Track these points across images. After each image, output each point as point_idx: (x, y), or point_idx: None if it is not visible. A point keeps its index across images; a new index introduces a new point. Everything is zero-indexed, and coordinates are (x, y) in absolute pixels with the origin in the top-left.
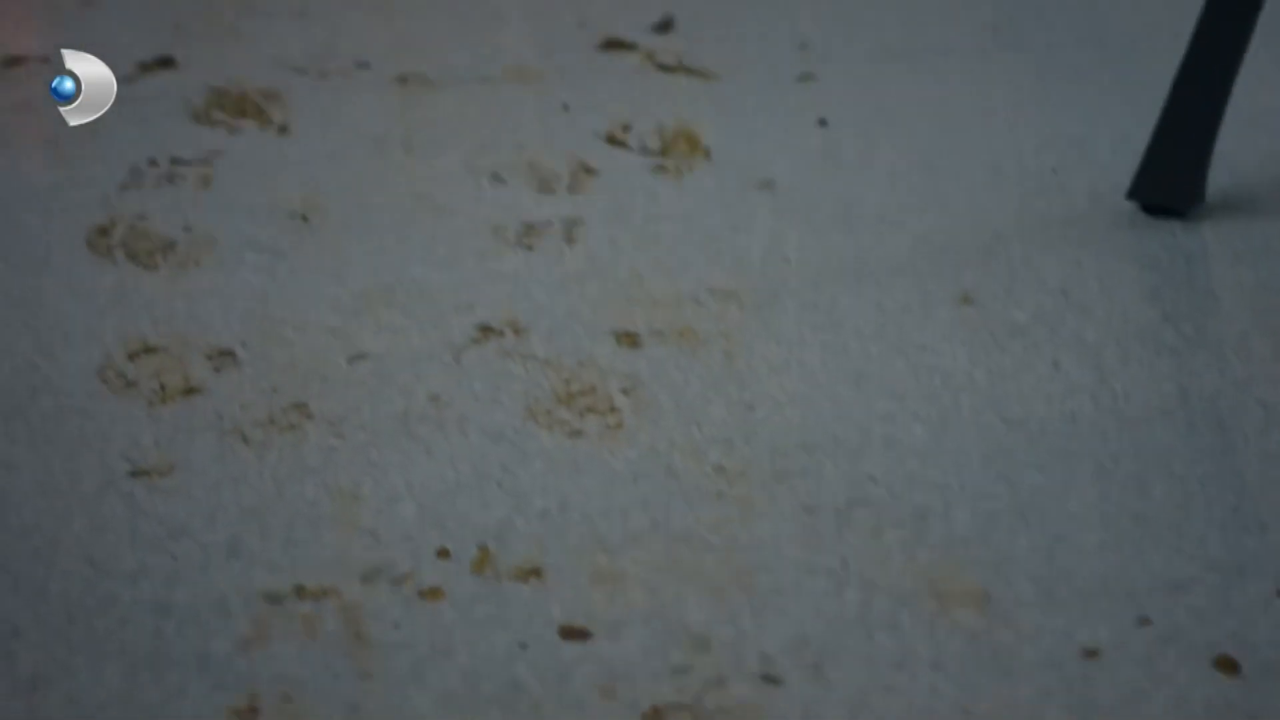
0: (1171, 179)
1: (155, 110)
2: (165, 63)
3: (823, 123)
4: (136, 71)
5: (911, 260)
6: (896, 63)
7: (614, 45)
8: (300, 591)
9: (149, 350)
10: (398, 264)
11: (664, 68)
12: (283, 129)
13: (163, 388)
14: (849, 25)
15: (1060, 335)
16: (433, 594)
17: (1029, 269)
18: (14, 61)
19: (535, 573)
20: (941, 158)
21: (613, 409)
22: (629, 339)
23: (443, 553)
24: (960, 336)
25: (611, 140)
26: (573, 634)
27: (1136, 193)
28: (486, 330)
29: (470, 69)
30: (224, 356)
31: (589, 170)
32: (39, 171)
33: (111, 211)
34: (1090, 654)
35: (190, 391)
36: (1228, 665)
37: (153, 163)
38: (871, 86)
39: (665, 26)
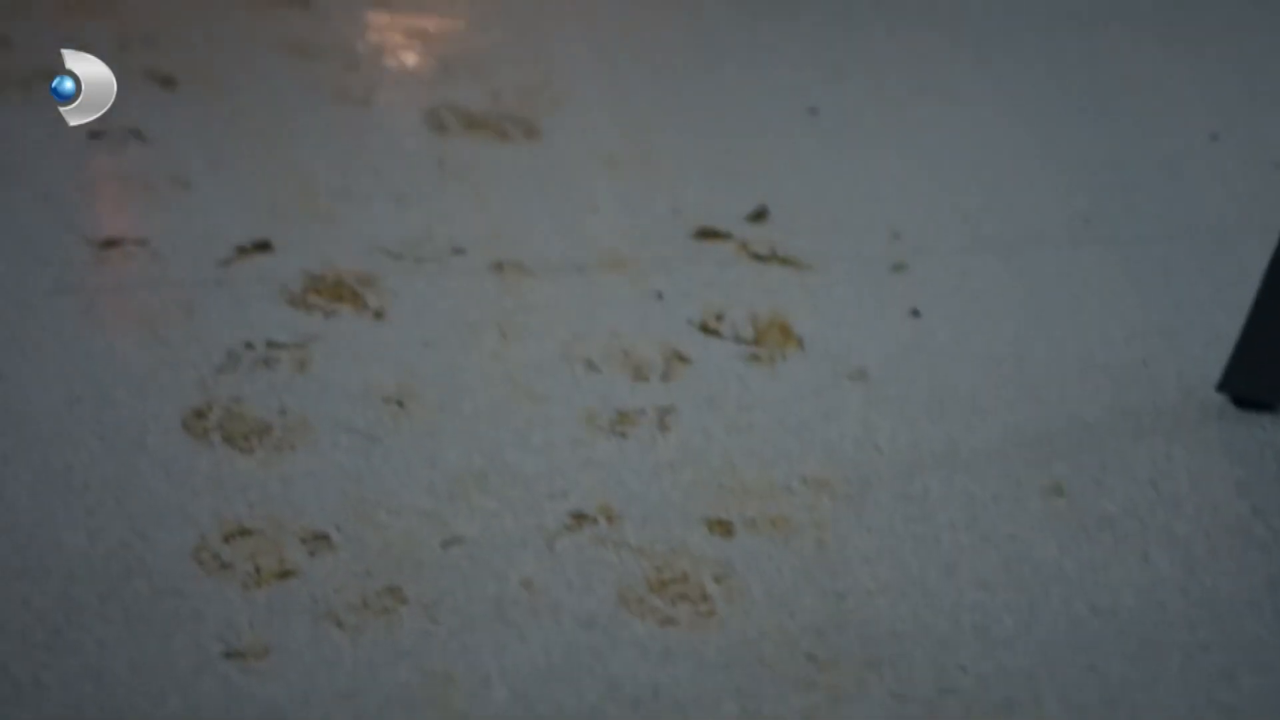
0: (1262, 372)
1: (251, 294)
2: (262, 246)
3: (915, 312)
4: (233, 255)
5: (1003, 450)
6: (989, 253)
7: (708, 234)
8: None
9: (244, 533)
10: (492, 449)
11: (757, 257)
12: (378, 314)
13: (258, 570)
14: (941, 215)
15: (1150, 527)
16: None
17: (1119, 461)
18: (111, 243)
19: None
20: (1033, 349)
21: (705, 597)
22: (721, 527)
23: None
24: (1051, 527)
25: (705, 329)
26: None
27: (1227, 385)
28: (580, 517)
29: (565, 256)
30: (318, 540)
31: (682, 358)
32: (136, 353)
33: (208, 394)
34: None
35: (285, 574)
36: None
37: (249, 346)
38: (964, 276)
39: (759, 216)
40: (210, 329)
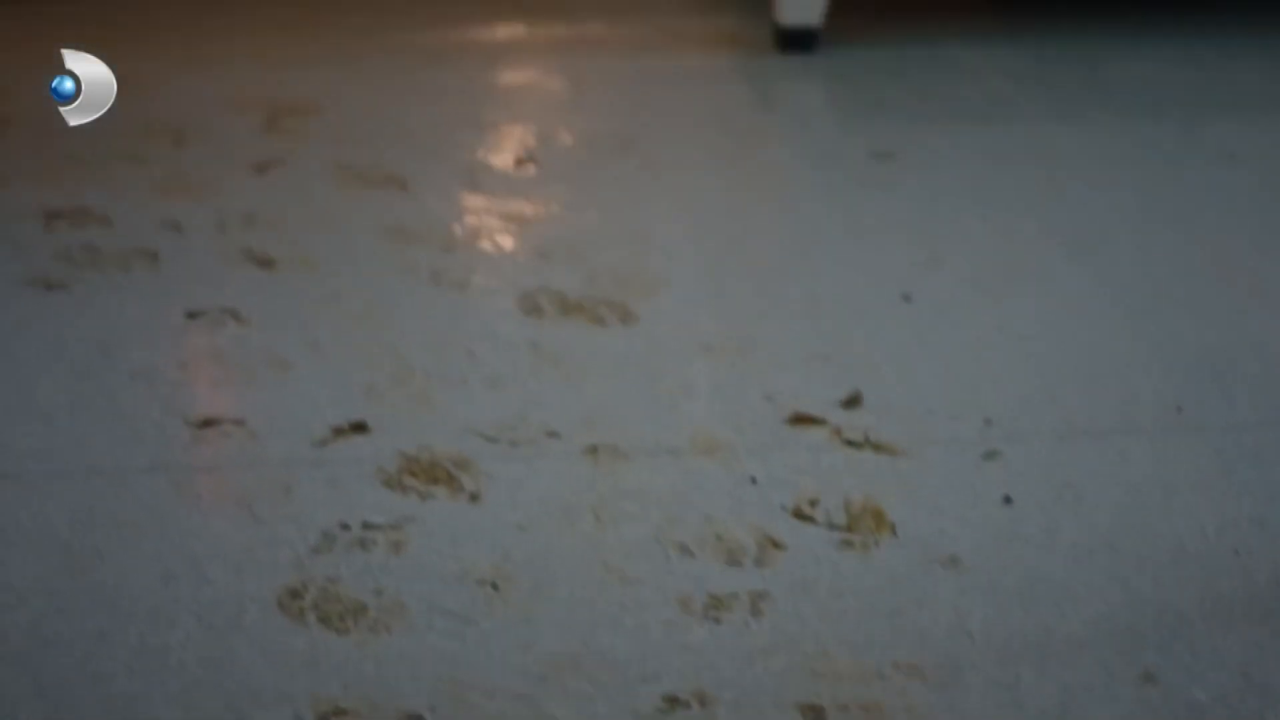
0: None
1: (347, 474)
2: (358, 428)
3: (1007, 500)
4: (330, 435)
5: (1094, 638)
6: (1081, 440)
7: (802, 420)
8: None
9: (339, 713)
10: (585, 633)
11: (851, 443)
12: (474, 497)
13: None
14: (1034, 403)
15: (1241, 716)
16: None
17: (1211, 649)
18: (208, 423)
19: None
20: (1124, 536)
21: None
22: (814, 712)
23: None
24: (1142, 715)
25: (798, 514)
26: None
27: None
28: (673, 701)
29: (659, 440)
30: None
31: (776, 544)
32: (232, 532)
33: (303, 574)
34: None
35: None
36: None
37: (345, 527)
38: (1056, 464)
39: (853, 402)
40: (306, 509)
